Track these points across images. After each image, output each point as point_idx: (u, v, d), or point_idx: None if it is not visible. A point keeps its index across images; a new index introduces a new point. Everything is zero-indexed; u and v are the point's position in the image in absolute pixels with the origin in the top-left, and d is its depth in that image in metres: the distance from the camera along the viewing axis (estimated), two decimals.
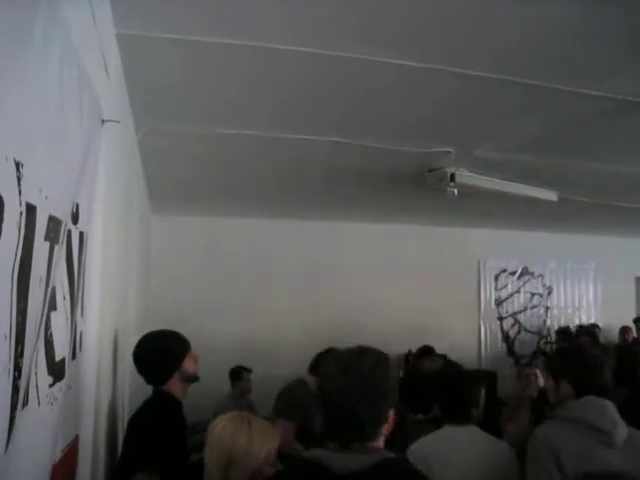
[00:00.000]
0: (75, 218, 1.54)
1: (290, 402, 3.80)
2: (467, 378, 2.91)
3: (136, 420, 2.50)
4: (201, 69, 2.70)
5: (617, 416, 2.22)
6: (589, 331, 7.01)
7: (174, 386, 2.55)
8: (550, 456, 2.17)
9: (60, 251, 1.32)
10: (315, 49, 2.49)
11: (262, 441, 1.96)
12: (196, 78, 2.81)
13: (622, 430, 2.19)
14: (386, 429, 1.51)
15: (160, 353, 2.54)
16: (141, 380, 2.62)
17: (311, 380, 3.90)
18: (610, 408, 2.24)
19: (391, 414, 1.51)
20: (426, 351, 5.91)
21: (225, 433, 1.97)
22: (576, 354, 2.50)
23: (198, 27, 2.25)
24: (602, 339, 7.45)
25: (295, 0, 2.11)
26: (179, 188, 5.29)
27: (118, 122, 1.99)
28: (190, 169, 4.57)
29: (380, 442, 1.50)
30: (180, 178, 4.87)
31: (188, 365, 2.59)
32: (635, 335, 7.20)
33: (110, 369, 2.65)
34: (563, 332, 7.11)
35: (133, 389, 3.53)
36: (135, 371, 2.63)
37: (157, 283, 6.08)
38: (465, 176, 4.47)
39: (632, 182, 5.09)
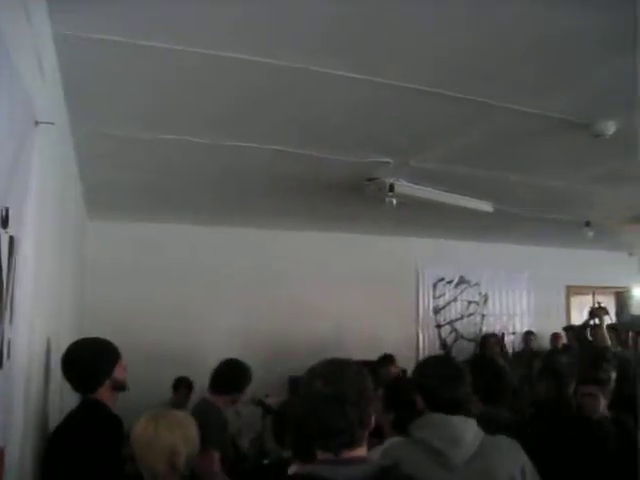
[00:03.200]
0: (4, 222, 1.49)
1: (206, 428, 3.56)
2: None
3: (68, 428, 2.43)
4: (141, 72, 2.66)
5: (464, 433, 2.05)
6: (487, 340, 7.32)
7: (104, 394, 2.49)
8: None
9: None
10: (257, 57, 2.50)
11: (192, 429, 2.17)
12: (135, 81, 2.77)
13: (465, 449, 2.02)
14: (368, 432, 1.56)
15: (91, 359, 2.49)
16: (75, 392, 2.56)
17: (218, 400, 3.67)
18: (456, 425, 2.07)
19: (373, 419, 1.56)
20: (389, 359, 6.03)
21: (161, 430, 2.08)
22: (427, 366, 2.33)
23: (139, 30, 2.23)
24: (535, 346, 7.76)
25: (235, 8, 2.12)
26: (116, 194, 5.19)
27: (53, 124, 1.94)
28: (128, 174, 4.49)
29: (365, 447, 1.54)
30: (117, 183, 4.77)
31: (118, 373, 2.55)
32: (565, 341, 7.49)
33: (41, 378, 2.56)
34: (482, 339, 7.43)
35: (66, 400, 3.42)
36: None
37: (93, 290, 5.92)
38: (404, 186, 4.57)
39: (564, 196, 5.33)
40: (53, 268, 2.80)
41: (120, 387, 2.56)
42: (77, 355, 2.52)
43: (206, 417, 3.46)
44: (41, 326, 2.44)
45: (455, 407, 2.14)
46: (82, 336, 2.73)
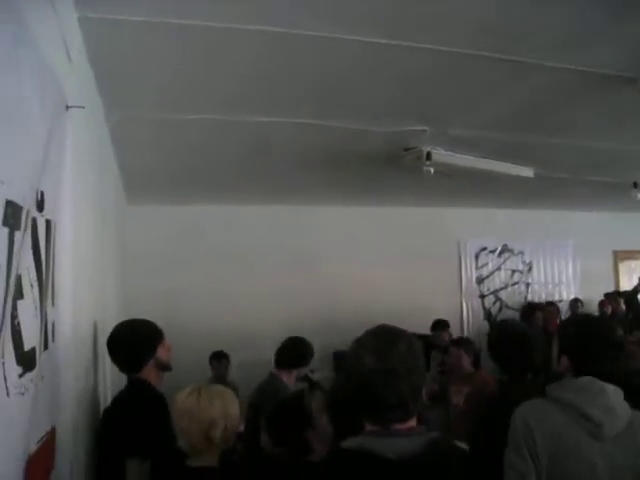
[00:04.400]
0: (40, 206, 1.50)
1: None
2: None
3: (118, 408, 2.49)
4: (167, 52, 2.64)
5: (617, 403, 1.93)
6: (541, 308, 7.12)
7: (149, 374, 2.55)
8: (526, 441, 1.94)
9: (24, 238, 1.29)
10: (280, 28, 2.45)
11: (232, 403, 2.15)
12: (162, 62, 2.76)
13: (618, 420, 1.90)
14: (420, 404, 1.53)
15: (135, 340, 2.55)
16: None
17: (284, 374, 3.87)
18: (610, 394, 1.93)
19: (424, 391, 1.54)
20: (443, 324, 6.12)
21: (201, 402, 2.08)
22: (581, 327, 2.16)
23: (162, 8, 2.21)
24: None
25: None
26: (152, 177, 5.22)
27: (83, 108, 1.95)
28: (162, 157, 4.52)
29: (415, 418, 1.51)
30: (152, 167, 4.80)
31: (162, 353, 2.60)
32: (612, 307, 7.31)
33: (90, 360, 2.63)
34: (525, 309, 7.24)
35: (115, 381, 3.50)
36: None
37: (136, 274, 6.02)
38: (441, 154, 4.48)
39: (606, 157, 5.13)
40: (94, 253, 2.84)
41: (164, 367, 2.61)
42: (121, 336, 2.58)
43: (273, 391, 3.71)
44: (86, 310, 2.49)
45: (608, 375, 2.01)
46: (129, 318, 2.79)
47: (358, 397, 1.52)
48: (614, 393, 1.95)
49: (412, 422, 1.50)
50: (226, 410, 2.09)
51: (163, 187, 5.78)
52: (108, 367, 3.27)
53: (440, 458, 1.45)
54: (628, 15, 2.53)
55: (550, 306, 7.34)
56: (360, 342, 1.54)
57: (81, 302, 2.27)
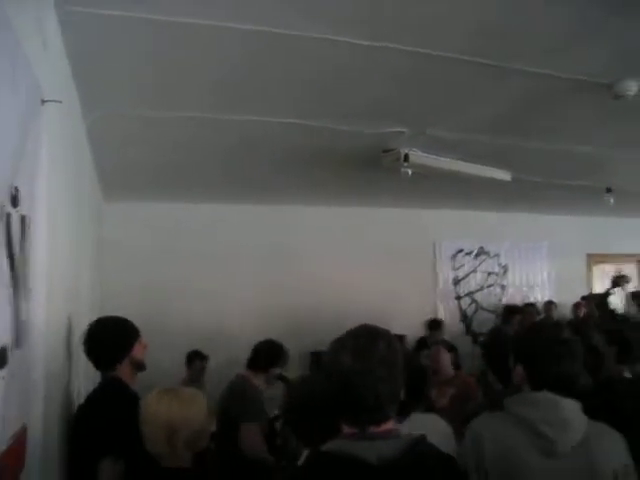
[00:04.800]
0: (14, 201, 1.48)
1: (246, 403, 3.66)
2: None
3: (91, 406, 2.46)
4: (146, 48, 2.62)
5: (572, 417, 1.86)
6: (520, 310, 7.14)
7: (124, 372, 2.53)
8: (476, 457, 1.88)
9: None
10: (267, 27, 2.45)
11: (195, 408, 2.09)
12: (141, 58, 2.73)
13: (573, 435, 1.83)
14: (397, 405, 1.52)
15: (110, 337, 2.54)
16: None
17: (253, 376, 3.83)
18: (565, 408, 1.86)
19: (402, 392, 1.52)
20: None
21: (160, 407, 2.04)
22: (534, 335, 2.09)
23: (142, 3, 2.19)
24: (556, 315, 7.69)
25: None
26: (130, 174, 5.17)
27: (60, 102, 1.92)
28: (140, 154, 4.46)
29: (393, 420, 1.50)
30: (131, 164, 4.75)
31: (137, 351, 2.58)
32: (586, 310, 7.42)
33: (63, 357, 2.59)
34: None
35: (90, 378, 3.46)
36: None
37: (114, 270, 5.97)
38: (419, 156, 4.51)
39: (581, 161, 5.22)
40: (69, 249, 2.80)
41: (139, 366, 2.59)
42: (96, 332, 2.56)
43: (244, 391, 3.70)
44: (60, 306, 2.46)
45: (564, 385, 1.91)
46: (104, 315, 2.76)
47: (336, 397, 1.50)
48: (569, 406, 1.87)
49: (390, 424, 1.49)
50: (188, 415, 2.04)
51: (142, 184, 5.73)
52: (82, 364, 3.23)
53: (420, 460, 1.44)
54: (605, 25, 2.58)
55: (529, 307, 7.43)
56: (340, 341, 1.52)
57: (55, 298, 2.24)
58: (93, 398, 2.53)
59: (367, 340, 1.49)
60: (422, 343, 6.79)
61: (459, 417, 2.93)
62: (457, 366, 4.47)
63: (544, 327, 2.26)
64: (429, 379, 3.15)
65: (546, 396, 1.89)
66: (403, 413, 2.30)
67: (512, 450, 1.86)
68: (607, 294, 7.44)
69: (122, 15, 2.20)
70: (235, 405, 3.67)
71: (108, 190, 5.61)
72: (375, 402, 1.45)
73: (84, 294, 3.71)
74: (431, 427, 2.40)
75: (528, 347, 2.03)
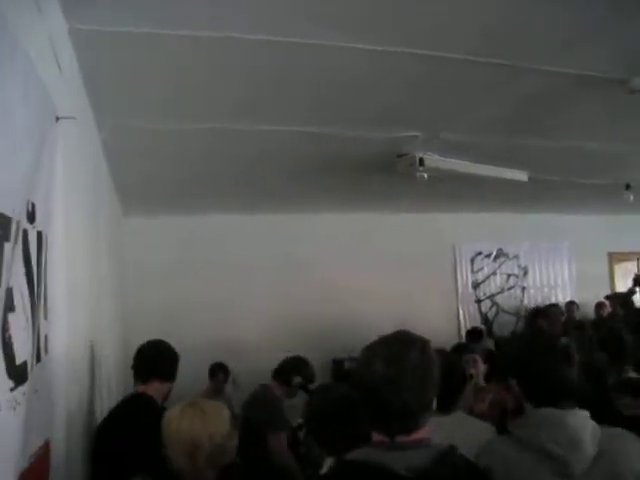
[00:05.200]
0: (31, 217, 1.49)
1: (272, 412, 3.70)
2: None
3: (115, 421, 2.48)
4: (156, 62, 2.64)
5: (582, 432, 1.71)
6: (544, 313, 6.93)
7: (154, 388, 2.62)
8: None
9: (14, 250, 1.27)
10: (275, 37, 2.46)
11: (218, 422, 2.04)
12: (152, 72, 2.76)
13: (586, 451, 1.69)
14: (430, 413, 1.48)
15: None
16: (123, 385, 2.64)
17: (276, 387, 3.87)
18: (574, 425, 1.72)
19: (435, 401, 1.48)
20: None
21: (183, 422, 2.00)
22: (526, 346, 1.96)
23: (150, 19, 2.21)
24: (578, 316, 7.58)
25: None
26: (147, 188, 5.21)
27: (74, 118, 1.94)
28: (156, 168, 4.50)
29: (425, 429, 1.46)
30: (147, 178, 4.79)
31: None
32: (610, 310, 7.30)
33: (85, 373, 2.61)
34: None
35: (113, 398, 3.48)
36: (114, 376, 2.64)
37: (134, 286, 6.01)
38: (434, 160, 4.48)
39: (599, 159, 5.15)
40: (88, 264, 2.82)
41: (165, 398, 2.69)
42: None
43: (270, 401, 3.75)
44: (81, 322, 2.47)
45: (565, 397, 1.78)
46: (125, 334, 2.82)
47: (366, 405, 1.48)
48: (577, 421, 1.74)
49: (421, 433, 1.44)
50: (210, 430, 1.99)
51: (160, 198, 5.77)
52: (105, 382, 3.25)
53: (450, 471, 1.40)
54: (617, 19, 2.55)
55: (552, 308, 7.31)
56: (372, 349, 1.49)
57: (76, 314, 2.25)
58: (117, 413, 2.55)
59: (400, 348, 1.46)
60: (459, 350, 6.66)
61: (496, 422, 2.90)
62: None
63: (532, 336, 2.06)
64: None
65: (551, 413, 1.76)
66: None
67: (530, 477, 1.74)
68: (631, 293, 7.32)
69: (132, 31, 2.22)
70: (260, 414, 3.68)
71: (127, 205, 5.66)
72: (405, 410, 1.41)
73: (105, 310, 3.73)
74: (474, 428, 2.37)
75: (519, 359, 1.92)
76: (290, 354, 4.13)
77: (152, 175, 4.72)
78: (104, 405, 3.14)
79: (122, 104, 3.11)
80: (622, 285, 8.41)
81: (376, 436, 1.45)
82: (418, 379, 1.42)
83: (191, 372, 5.41)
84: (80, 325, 2.44)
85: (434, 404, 1.48)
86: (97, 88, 2.77)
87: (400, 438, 1.42)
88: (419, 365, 1.43)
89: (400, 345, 1.47)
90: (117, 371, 4.16)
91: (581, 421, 1.75)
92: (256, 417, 3.68)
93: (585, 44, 2.80)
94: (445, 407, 2.29)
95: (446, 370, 1.85)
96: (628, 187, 6.07)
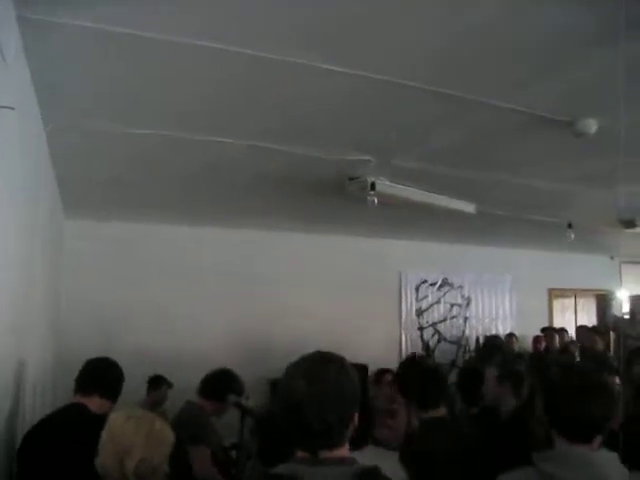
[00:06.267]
0: None
1: (199, 427, 3.60)
2: None
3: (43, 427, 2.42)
4: (110, 62, 2.57)
5: (610, 474, 1.71)
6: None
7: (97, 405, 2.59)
8: None
9: None
10: (233, 47, 2.43)
11: (161, 444, 1.99)
12: (105, 71, 2.67)
13: None
14: (351, 431, 1.51)
15: (120, 375, 2.82)
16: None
17: (206, 404, 3.77)
18: (602, 464, 1.72)
19: (356, 417, 1.51)
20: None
21: (128, 425, 1.96)
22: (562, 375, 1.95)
23: (107, 15, 2.15)
24: (517, 348, 7.75)
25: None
26: (92, 191, 5.05)
27: (13, 109, 1.86)
28: (102, 171, 4.37)
29: (346, 446, 1.49)
30: (92, 180, 4.64)
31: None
32: (545, 344, 7.50)
33: (9, 391, 2.48)
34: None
35: (38, 406, 3.34)
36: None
37: (73, 289, 5.82)
38: (385, 185, 4.52)
39: (546, 196, 5.32)
40: (19, 264, 2.69)
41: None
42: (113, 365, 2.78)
43: (194, 417, 3.64)
44: (6, 325, 2.35)
45: (591, 432, 1.77)
46: (61, 334, 2.73)
47: (287, 422, 1.49)
48: (605, 463, 1.73)
49: (342, 450, 1.47)
50: (148, 441, 1.94)
51: (104, 202, 5.61)
52: (30, 390, 3.12)
53: None
54: (565, 64, 2.64)
55: (510, 337, 7.49)
56: (292, 366, 1.53)
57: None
58: (50, 420, 2.51)
59: (320, 365, 1.49)
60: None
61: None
62: None
63: (569, 372, 2.06)
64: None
65: (578, 451, 1.74)
66: None
67: None
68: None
69: (84, 25, 2.15)
70: (184, 430, 3.58)
71: (69, 206, 5.47)
72: (324, 427, 1.43)
73: (36, 312, 3.57)
74: None
75: (553, 389, 1.92)
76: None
77: (97, 178, 4.58)
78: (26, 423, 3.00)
79: (70, 101, 3.00)
80: (560, 320, 8.70)
81: (299, 452, 1.47)
82: (339, 396, 1.44)
83: (127, 381, 5.27)
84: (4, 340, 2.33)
85: (355, 420, 1.50)
86: (45, 82, 2.67)
87: (322, 454, 1.44)
88: (339, 381, 1.46)
89: (320, 362, 1.51)
90: (48, 384, 4.01)
91: (608, 462, 1.75)
92: (181, 434, 3.59)
93: (535, 83, 2.89)
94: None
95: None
96: (570, 226, 6.28)
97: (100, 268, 6.20)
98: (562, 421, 1.81)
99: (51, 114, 3.08)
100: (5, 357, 2.38)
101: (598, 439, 1.78)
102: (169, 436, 2.05)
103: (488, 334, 8.08)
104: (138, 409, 2.15)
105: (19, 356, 2.74)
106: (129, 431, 1.94)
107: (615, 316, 7.11)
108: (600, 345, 6.63)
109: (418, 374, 2.79)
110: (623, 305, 8.36)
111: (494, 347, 6.85)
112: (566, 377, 1.93)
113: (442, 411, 2.67)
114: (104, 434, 1.98)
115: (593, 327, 7.84)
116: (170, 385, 5.56)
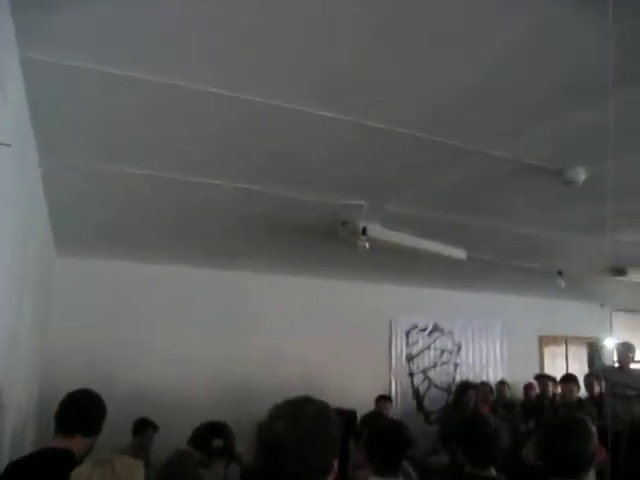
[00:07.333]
0: None
1: (187, 474, 3.52)
2: None
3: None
4: (107, 102, 2.60)
5: None
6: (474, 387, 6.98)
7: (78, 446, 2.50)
8: None
9: None
10: (227, 92, 2.47)
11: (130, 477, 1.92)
12: (103, 112, 2.71)
13: None
14: (331, 478, 1.49)
15: (102, 410, 2.68)
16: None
17: (194, 453, 3.65)
18: None
19: (335, 463, 1.49)
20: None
21: (95, 476, 1.86)
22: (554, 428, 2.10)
23: (107, 57, 2.19)
24: (509, 395, 7.67)
25: (210, 39, 2.10)
26: (84, 229, 5.05)
27: (9, 146, 1.87)
28: (93, 209, 4.36)
29: None
30: (84, 218, 4.63)
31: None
32: (537, 391, 7.42)
33: None
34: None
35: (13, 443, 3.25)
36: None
37: (60, 328, 5.74)
38: (377, 230, 4.55)
39: (535, 243, 5.36)
40: (8, 300, 2.67)
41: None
42: (95, 401, 2.66)
43: (182, 463, 3.48)
44: None
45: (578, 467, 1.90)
46: (48, 371, 2.67)
47: (267, 464, 1.48)
48: None
49: None
50: None
51: (95, 241, 5.60)
52: (10, 430, 3.04)
53: None
54: (555, 115, 2.71)
55: (483, 386, 7.39)
56: (274, 408, 1.53)
57: None
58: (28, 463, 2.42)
59: (298, 406, 1.50)
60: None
61: None
62: None
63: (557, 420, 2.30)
64: None
65: None
66: None
67: None
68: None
69: (83, 67, 2.19)
70: (172, 477, 3.48)
71: (61, 244, 5.46)
72: (303, 468, 1.42)
73: (22, 353, 3.52)
74: None
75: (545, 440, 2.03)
76: (215, 414, 3.98)
77: (89, 217, 4.58)
78: (6, 449, 2.93)
79: (67, 141, 3.03)
80: (551, 367, 8.64)
81: None
82: (318, 438, 1.44)
83: (111, 424, 5.15)
84: None
85: (334, 465, 1.48)
86: (43, 121, 2.70)
87: None
88: (318, 424, 1.46)
89: (300, 404, 1.51)
90: (29, 419, 3.90)
91: None
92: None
93: (526, 133, 2.96)
94: None
95: None
96: (560, 273, 6.32)
97: (91, 307, 6.13)
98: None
99: (48, 153, 3.10)
100: None
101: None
102: (134, 474, 1.97)
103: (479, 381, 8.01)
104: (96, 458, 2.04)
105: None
106: None
107: (604, 364, 7.07)
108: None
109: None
110: (611, 353, 8.32)
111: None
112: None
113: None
114: None
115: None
116: (155, 427, 5.44)
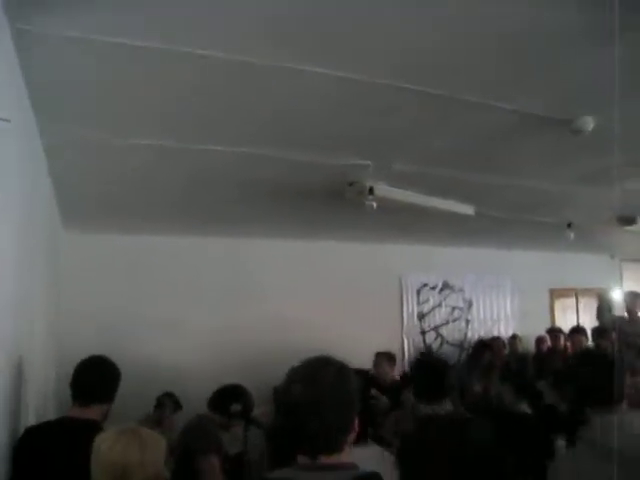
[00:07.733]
0: None
1: (202, 435, 3.57)
2: None
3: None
4: (106, 72, 2.57)
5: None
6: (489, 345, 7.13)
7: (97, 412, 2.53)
8: None
9: None
10: (225, 54, 2.43)
11: (154, 452, 1.95)
12: (100, 83, 2.68)
13: None
14: (351, 437, 1.51)
15: (116, 376, 2.68)
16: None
17: (214, 417, 3.76)
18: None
19: (355, 422, 1.51)
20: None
21: (117, 447, 1.89)
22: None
23: (100, 26, 2.15)
24: (521, 349, 7.72)
25: (211, 2, 2.05)
26: (90, 203, 5.04)
27: (9, 121, 1.85)
28: (99, 183, 4.36)
29: (347, 451, 1.49)
30: (90, 192, 4.63)
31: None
32: (549, 344, 7.46)
33: (11, 394, 2.46)
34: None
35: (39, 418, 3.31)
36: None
37: (71, 303, 5.78)
38: (384, 189, 4.51)
39: (543, 197, 5.32)
40: (19, 274, 2.68)
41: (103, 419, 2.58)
42: (106, 369, 2.66)
43: (203, 427, 3.63)
44: (7, 337, 2.33)
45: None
46: (63, 348, 2.70)
47: (288, 426, 1.50)
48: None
49: (342, 455, 1.47)
50: (144, 458, 1.88)
51: (101, 214, 5.59)
52: (33, 403, 3.09)
53: None
54: (561, 63, 2.65)
55: (496, 341, 7.46)
56: (292, 371, 1.54)
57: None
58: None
59: (318, 369, 1.50)
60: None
61: None
62: None
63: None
64: None
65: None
66: None
67: None
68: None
69: (78, 37, 2.15)
70: (191, 439, 3.57)
71: (68, 218, 5.46)
72: (324, 431, 1.44)
73: (39, 324, 3.56)
74: None
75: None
76: (229, 380, 4.03)
77: (94, 190, 4.57)
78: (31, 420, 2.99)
79: (65, 113, 2.99)
80: (562, 320, 8.66)
81: (300, 458, 1.48)
82: (336, 399, 1.45)
83: (127, 394, 5.22)
84: (7, 339, 2.31)
85: (355, 426, 1.50)
86: (40, 93, 2.66)
87: (321, 459, 1.44)
88: (336, 386, 1.47)
89: (318, 367, 1.51)
90: (50, 388, 3.97)
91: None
92: (187, 442, 3.58)
93: (534, 82, 2.90)
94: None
95: None
96: (569, 226, 6.27)
97: (98, 279, 6.16)
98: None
99: (48, 125, 3.07)
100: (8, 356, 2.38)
101: None
102: (160, 445, 2.01)
103: (490, 336, 8.06)
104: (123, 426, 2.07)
105: (21, 355, 2.72)
106: (120, 449, 1.88)
107: (613, 316, 7.07)
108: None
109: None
110: (621, 304, 8.32)
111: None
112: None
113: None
114: (95, 455, 1.91)
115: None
116: (177, 403, 5.39)
